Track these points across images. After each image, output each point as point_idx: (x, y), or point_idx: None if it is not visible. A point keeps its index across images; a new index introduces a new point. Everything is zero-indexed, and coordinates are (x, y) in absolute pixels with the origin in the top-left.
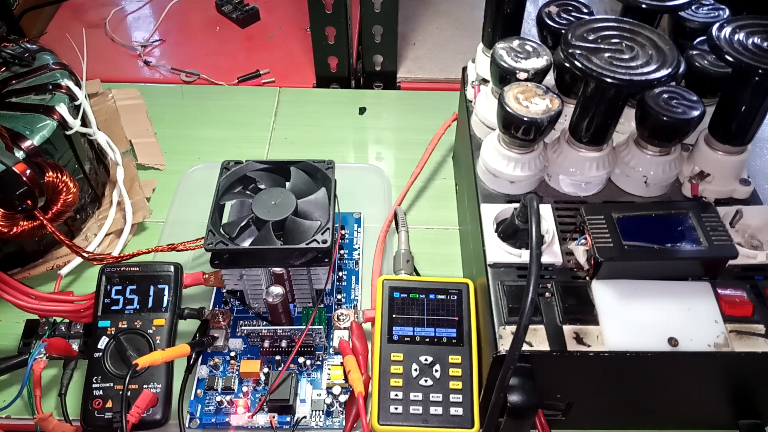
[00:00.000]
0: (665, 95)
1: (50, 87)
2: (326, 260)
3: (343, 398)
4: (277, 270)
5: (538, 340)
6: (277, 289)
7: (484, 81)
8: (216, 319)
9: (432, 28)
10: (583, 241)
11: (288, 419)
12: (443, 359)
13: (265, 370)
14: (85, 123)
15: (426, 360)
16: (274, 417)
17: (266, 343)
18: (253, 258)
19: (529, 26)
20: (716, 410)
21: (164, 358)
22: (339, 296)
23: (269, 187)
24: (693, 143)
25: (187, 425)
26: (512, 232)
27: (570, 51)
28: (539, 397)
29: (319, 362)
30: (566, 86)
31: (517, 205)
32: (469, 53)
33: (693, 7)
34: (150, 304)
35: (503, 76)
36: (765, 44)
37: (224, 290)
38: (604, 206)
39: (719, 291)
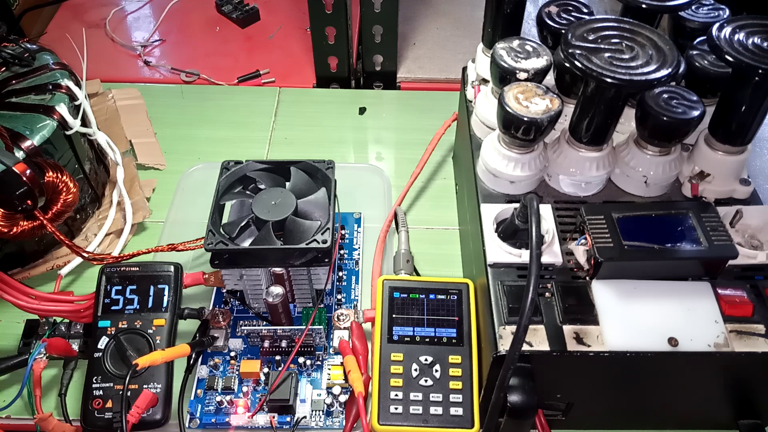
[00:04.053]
0: (665, 95)
1: (50, 87)
2: (326, 260)
3: (343, 398)
4: (277, 270)
5: (538, 340)
6: (277, 289)
7: (484, 81)
8: (216, 319)
9: (432, 28)
10: (583, 241)
11: (288, 419)
12: (443, 359)
13: (265, 370)
14: (85, 123)
15: (426, 360)
16: (274, 417)
17: (266, 343)
18: (253, 258)
19: (529, 26)
20: (716, 410)
21: (164, 358)
22: (339, 296)
23: (269, 187)
24: (693, 143)
25: (187, 425)
26: (512, 232)
27: (570, 51)
28: (539, 397)
29: (319, 362)
30: (566, 86)
31: (517, 205)
32: (469, 53)
33: (693, 7)
34: (150, 304)
35: (503, 76)
36: (765, 44)
37: (224, 290)
38: (604, 206)
39: (719, 291)
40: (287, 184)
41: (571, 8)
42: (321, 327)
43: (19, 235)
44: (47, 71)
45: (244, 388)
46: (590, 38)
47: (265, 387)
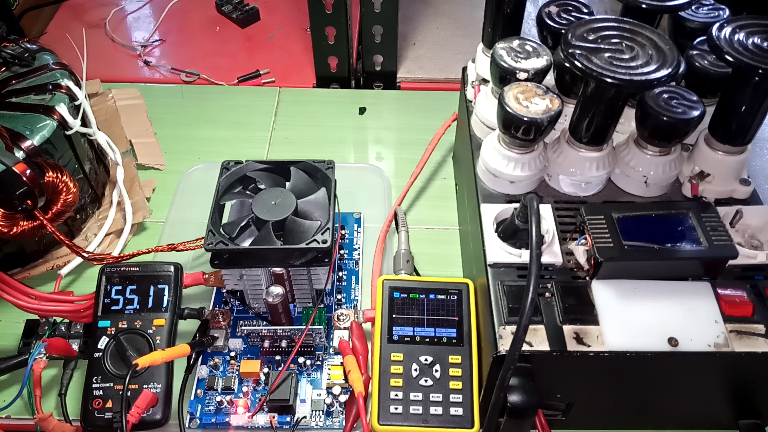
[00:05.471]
0: (665, 95)
1: (50, 87)
2: (326, 260)
3: (343, 398)
4: (277, 270)
5: (538, 340)
6: (277, 289)
7: (484, 81)
8: (216, 319)
9: (432, 28)
10: (583, 241)
11: (288, 419)
12: (443, 359)
13: (265, 370)
14: (85, 123)
15: (426, 360)
16: (274, 417)
17: (266, 343)
18: (253, 258)
19: (529, 26)
20: (716, 410)
21: (164, 358)
22: (339, 296)
23: (269, 187)
24: (693, 143)
25: (187, 425)
26: (512, 232)
27: (570, 51)
28: (539, 397)
29: (319, 362)
30: (566, 86)
31: (517, 205)
32: (469, 53)
33: (693, 7)
34: (150, 304)
35: (503, 76)
36: (765, 44)
37: (224, 290)
38: (604, 206)
39: (719, 291)
40: (287, 184)
41: (571, 8)
42: (321, 327)
43: (19, 235)
44: (47, 71)
45: (244, 388)
46: (590, 38)
47: (265, 387)
